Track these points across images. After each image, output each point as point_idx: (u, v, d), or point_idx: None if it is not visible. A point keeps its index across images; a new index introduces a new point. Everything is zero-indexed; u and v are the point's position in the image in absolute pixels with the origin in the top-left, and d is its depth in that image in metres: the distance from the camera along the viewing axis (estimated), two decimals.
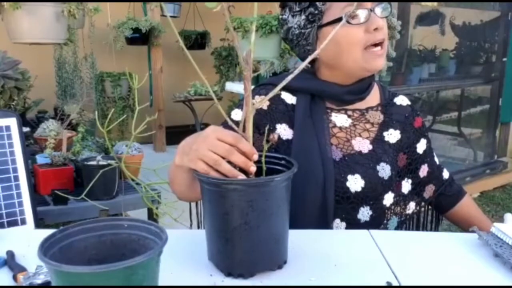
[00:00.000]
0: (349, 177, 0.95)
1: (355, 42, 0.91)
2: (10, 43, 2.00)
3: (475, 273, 0.75)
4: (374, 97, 1.04)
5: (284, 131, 0.99)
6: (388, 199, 0.99)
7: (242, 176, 0.70)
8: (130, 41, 4.12)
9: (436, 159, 1.11)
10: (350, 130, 1.00)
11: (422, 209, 1.10)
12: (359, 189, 0.94)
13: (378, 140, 1.00)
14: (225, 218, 0.69)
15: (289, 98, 1.01)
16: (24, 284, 0.70)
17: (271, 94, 0.73)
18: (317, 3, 0.93)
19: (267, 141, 0.77)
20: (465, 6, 3.86)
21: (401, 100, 1.08)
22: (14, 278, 0.72)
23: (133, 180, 0.75)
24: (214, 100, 0.78)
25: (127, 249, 0.63)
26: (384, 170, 0.97)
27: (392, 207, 1.01)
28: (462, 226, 1.10)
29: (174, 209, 1.14)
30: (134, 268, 0.52)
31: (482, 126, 4.19)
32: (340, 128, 0.99)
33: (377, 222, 0.99)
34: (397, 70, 3.38)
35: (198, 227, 1.16)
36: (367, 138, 1.00)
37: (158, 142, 4.52)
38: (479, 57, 4.17)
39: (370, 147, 0.99)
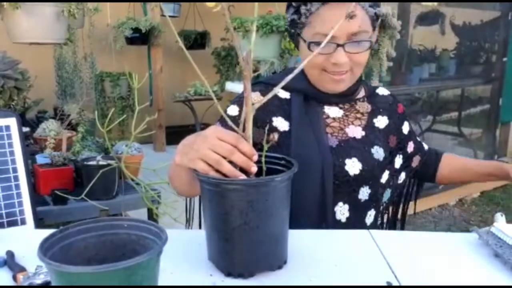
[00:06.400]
0: (347, 161, 0.99)
1: (313, 65, 0.97)
2: (10, 43, 1.99)
3: (475, 273, 0.75)
4: (359, 91, 1.12)
5: (280, 123, 1.03)
6: (385, 177, 1.06)
7: (243, 177, 0.70)
8: (130, 41, 4.11)
9: (416, 137, 1.22)
10: (342, 119, 1.06)
11: (408, 180, 1.20)
12: (357, 172, 0.99)
13: (369, 127, 1.07)
14: (225, 218, 0.69)
15: (283, 93, 1.06)
16: (24, 284, 0.70)
17: (270, 95, 0.73)
18: (301, 14, 0.97)
19: (267, 141, 0.77)
20: (465, 6, 3.86)
21: (382, 91, 1.17)
22: (14, 278, 0.72)
23: (133, 180, 0.75)
24: (214, 100, 0.78)
25: (127, 249, 0.63)
26: (378, 152, 1.04)
27: (388, 182, 1.08)
28: (455, 178, 1.20)
29: (174, 209, 1.14)
30: (133, 268, 0.52)
31: (482, 126, 4.19)
32: (334, 118, 1.06)
33: (374, 198, 1.04)
34: (397, 70, 3.38)
35: (200, 227, 1.17)
36: (359, 125, 1.06)
37: (158, 142, 4.52)
38: (479, 57, 4.16)
39: (363, 133, 1.05)
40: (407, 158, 1.16)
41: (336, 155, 0.99)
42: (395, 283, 0.70)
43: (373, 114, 1.09)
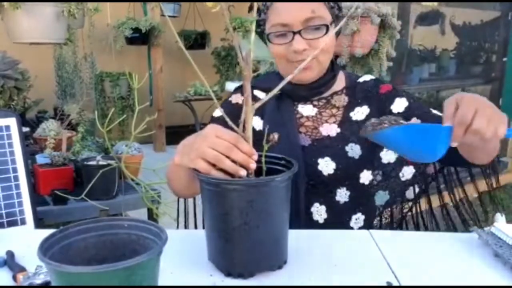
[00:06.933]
0: (320, 160, 0.98)
1: (278, 56, 0.99)
2: (10, 43, 1.99)
3: (475, 273, 0.75)
4: (339, 83, 1.08)
5: (257, 123, 1.05)
6: (366, 177, 1.01)
7: (243, 172, 0.71)
8: (130, 41, 4.11)
9: (434, 111, 1.03)
10: (316, 118, 1.04)
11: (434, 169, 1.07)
12: (331, 172, 0.98)
13: (345, 122, 1.03)
14: (225, 218, 0.69)
15: (261, 95, 1.07)
16: (24, 284, 0.70)
17: (268, 96, 0.74)
18: (261, 12, 0.99)
19: (267, 141, 0.77)
20: (465, 6, 3.86)
21: (365, 78, 1.10)
22: (14, 278, 0.72)
23: (133, 180, 0.75)
24: (214, 100, 0.78)
25: (127, 249, 0.63)
26: (353, 150, 1.00)
27: (374, 182, 1.03)
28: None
29: (174, 209, 1.14)
30: (133, 268, 0.52)
31: None
32: (307, 117, 1.04)
33: (358, 201, 1.01)
34: (397, 70, 3.39)
35: (195, 227, 1.17)
36: (334, 122, 1.04)
37: (158, 142, 4.51)
38: (479, 57, 4.17)
39: (338, 130, 1.03)
40: None
41: (308, 154, 0.98)
42: (395, 283, 0.70)
43: (349, 107, 1.05)
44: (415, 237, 0.91)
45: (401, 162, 1.06)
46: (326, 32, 0.95)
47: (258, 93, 1.08)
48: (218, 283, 0.70)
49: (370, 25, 2.13)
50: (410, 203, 1.13)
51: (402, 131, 0.75)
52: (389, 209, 1.09)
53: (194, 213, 1.19)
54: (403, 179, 1.07)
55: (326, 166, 0.98)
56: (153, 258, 0.55)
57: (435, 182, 1.14)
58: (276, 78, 1.05)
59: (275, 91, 0.74)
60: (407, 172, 1.07)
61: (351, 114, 1.04)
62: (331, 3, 0.97)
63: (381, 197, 1.05)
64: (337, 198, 1.00)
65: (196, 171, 0.72)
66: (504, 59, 3.89)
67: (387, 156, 1.05)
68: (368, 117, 1.02)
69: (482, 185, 1.35)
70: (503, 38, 3.90)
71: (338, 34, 1.03)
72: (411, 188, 1.10)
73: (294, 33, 0.94)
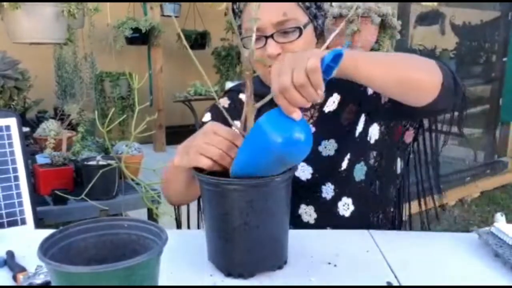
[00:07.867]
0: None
1: (256, 61, 0.93)
2: (10, 43, 1.99)
3: (475, 273, 0.75)
4: None
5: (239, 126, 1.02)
6: (345, 162, 0.97)
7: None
8: (130, 41, 4.12)
9: None
10: None
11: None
12: (309, 176, 0.96)
13: (320, 119, 1.00)
14: (225, 218, 0.69)
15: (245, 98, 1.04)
16: (24, 284, 0.70)
17: (268, 97, 0.73)
18: (236, 15, 0.96)
19: None
20: (465, 6, 3.86)
21: None
22: (14, 278, 0.72)
23: (133, 180, 0.75)
24: (216, 99, 0.78)
25: (127, 249, 0.63)
26: (326, 148, 0.97)
27: (349, 162, 0.97)
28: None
29: (174, 209, 1.14)
30: (133, 268, 0.52)
31: (482, 126, 4.19)
32: None
33: (342, 190, 0.97)
34: None
35: (188, 227, 1.17)
36: (311, 123, 1.00)
37: (158, 142, 4.52)
38: (479, 57, 4.17)
39: (313, 129, 0.99)
40: (374, 102, 0.96)
41: None
42: (395, 283, 0.70)
43: (323, 102, 0.99)
44: (415, 237, 0.91)
45: (366, 123, 1.00)
46: (300, 35, 0.91)
47: (243, 96, 1.04)
48: (218, 283, 0.70)
49: (370, 25, 2.13)
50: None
51: (240, 154, 0.68)
52: (392, 208, 1.06)
53: (187, 214, 1.18)
54: (372, 141, 1.01)
55: (303, 171, 0.96)
56: (153, 258, 0.55)
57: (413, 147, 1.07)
58: (257, 81, 1.00)
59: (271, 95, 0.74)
60: (373, 133, 1.01)
61: (325, 108, 0.99)
62: (307, 3, 0.93)
63: (359, 171, 1.00)
64: (324, 195, 0.97)
65: (196, 171, 0.72)
66: (504, 59, 3.89)
67: (359, 126, 0.99)
68: (340, 105, 0.98)
69: (483, 185, 1.34)
70: (503, 38, 3.90)
71: (320, 33, 0.98)
72: (385, 152, 1.02)
73: (267, 37, 0.91)
